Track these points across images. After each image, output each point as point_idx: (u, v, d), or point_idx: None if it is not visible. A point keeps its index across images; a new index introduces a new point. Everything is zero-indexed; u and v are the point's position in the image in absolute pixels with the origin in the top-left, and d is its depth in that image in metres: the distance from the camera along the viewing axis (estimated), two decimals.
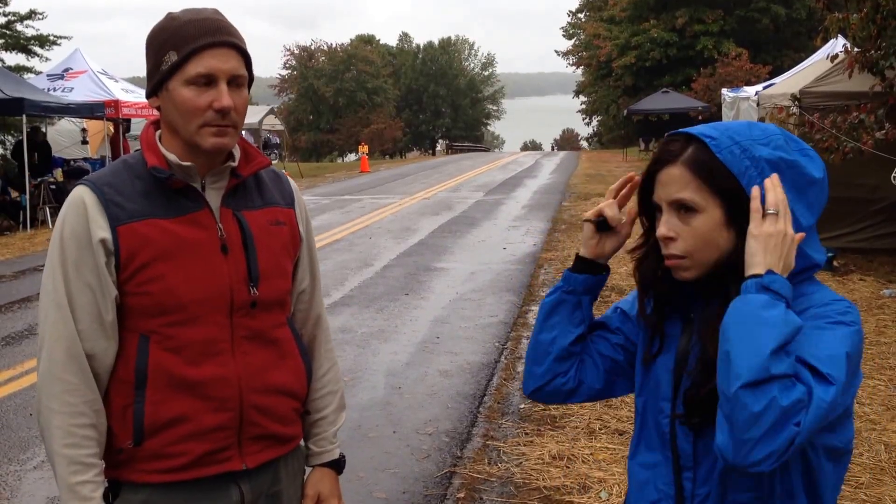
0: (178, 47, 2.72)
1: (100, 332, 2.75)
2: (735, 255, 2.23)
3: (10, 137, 33.31)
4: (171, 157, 2.80)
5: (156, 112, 2.93)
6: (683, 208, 2.28)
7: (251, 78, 2.89)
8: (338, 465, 3.28)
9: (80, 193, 2.78)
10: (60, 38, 36.01)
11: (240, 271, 2.86)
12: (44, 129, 27.61)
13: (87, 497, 2.69)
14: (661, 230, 2.34)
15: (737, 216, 2.23)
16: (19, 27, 34.88)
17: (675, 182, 2.28)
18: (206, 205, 2.85)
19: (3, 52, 34.99)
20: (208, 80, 2.73)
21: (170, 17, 2.82)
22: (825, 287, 2.33)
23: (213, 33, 2.74)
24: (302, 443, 3.23)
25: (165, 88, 2.77)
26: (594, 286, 2.67)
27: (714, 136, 2.26)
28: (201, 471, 2.83)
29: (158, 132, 2.93)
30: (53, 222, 23.31)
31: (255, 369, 2.89)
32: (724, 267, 2.28)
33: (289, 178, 3.21)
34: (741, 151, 2.23)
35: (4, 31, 34.48)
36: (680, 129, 2.36)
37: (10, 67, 32.11)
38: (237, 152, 2.94)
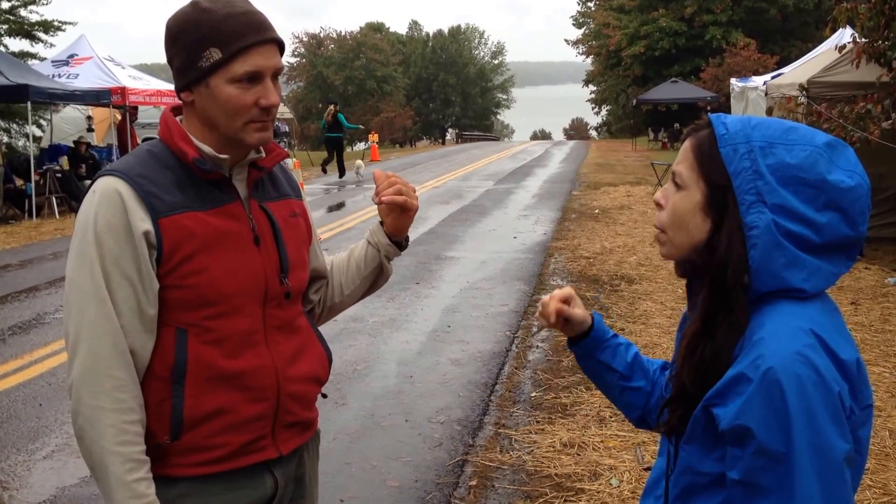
0: (220, 44, 2.65)
1: (140, 327, 2.70)
2: (706, 250, 2.22)
3: (14, 126, 33.34)
4: (207, 148, 2.76)
5: (169, 101, 2.85)
6: (675, 181, 2.30)
7: None
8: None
9: (113, 184, 2.68)
10: (65, 23, 35.96)
11: (272, 262, 2.87)
12: (88, 142, 27.56)
13: (144, 494, 2.64)
14: (656, 195, 2.38)
15: (716, 209, 2.20)
16: (23, 13, 34.88)
17: (682, 154, 2.30)
18: (237, 196, 2.84)
19: (7, 37, 35.07)
20: (254, 78, 2.69)
21: (201, 9, 2.70)
22: (783, 316, 2.14)
23: (258, 31, 2.70)
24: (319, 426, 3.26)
25: (205, 85, 2.71)
26: (591, 349, 2.80)
27: (728, 129, 2.21)
28: (239, 461, 2.83)
29: (179, 118, 2.87)
30: (59, 211, 23.37)
31: (286, 358, 2.91)
32: (700, 265, 2.25)
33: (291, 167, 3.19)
34: (746, 152, 2.15)
35: (8, 16, 34.47)
36: (720, 115, 2.31)
37: (14, 53, 32.17)
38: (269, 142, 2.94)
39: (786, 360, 2.02)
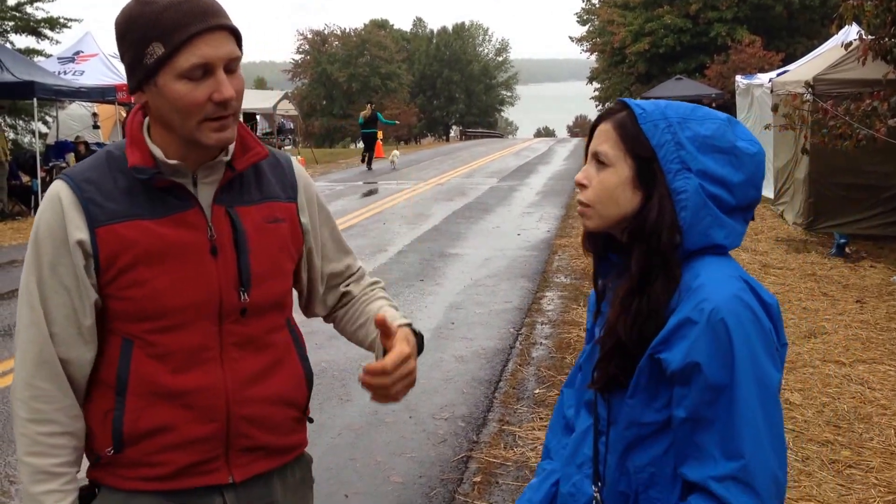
0: (162, 38, 2.43)
1: (76, 336, 2.61)
2: (636, 219, 2.43)
3: (20, 122, 33.31)
4: (157, 153, 2.58)
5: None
6: (599, 160, 2.49)
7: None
8: (413, 329, 2.83)
9: (57, 189, 2.60)
10: (71, 20, 35.85)
11: (230, 275, 2.65)
12: (87, 141, 27.49)
13: None
14: (578, 176, 2.57)
15: (644, 180, 2.42)
16: (29, 9, 34.78)
17: (601, 135, 2.50)
18: (195, 203, 2.64)
19: (13, 34, 34.85)
20: (204, 71, 2.47)
21: (143, 2, 2.48)
22: (715, 267, 2.40)
23: (202, 17, 2.45)
24: (307, 451, 3.04)
25: (153, 84, 2.50)
26: None
27: (645, 109, 2.45)
28: (184, 481, 2.67)
29: (147, 119, 2.67)
30: None
31: (245, 378, 2.70)
32: (629, 232, 2.46)
33: (295, 164, 2.97)
34: (666, 126, 2.41)
35: (14, 13, 34.33)
36: (630, 99, 2.57)
37: (20, 50, 31.91)
38: (233, 142, 2.68)
39: (726, 301, 2.28)
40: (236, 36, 2.55)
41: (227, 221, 2.67)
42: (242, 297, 2.66)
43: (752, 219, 2.52)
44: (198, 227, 2.63)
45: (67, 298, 2.58)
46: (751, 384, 2.24)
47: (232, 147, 2.67)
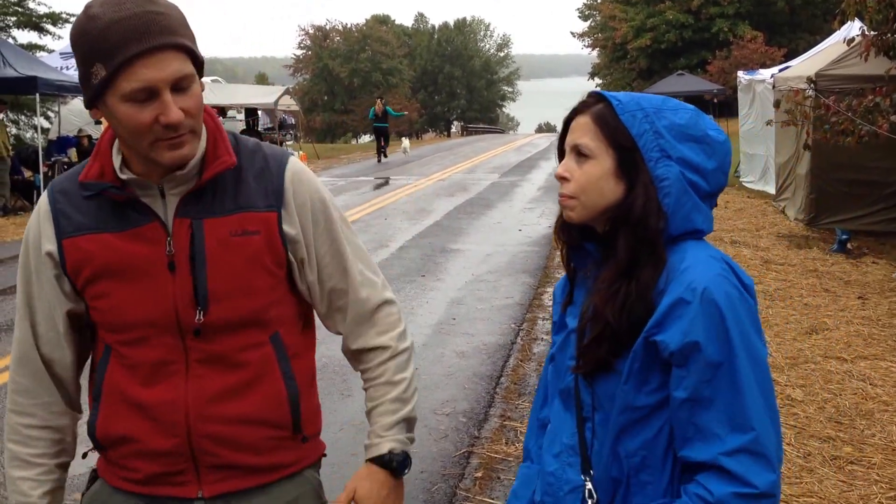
0: (103, 59, 2.33)
1: (55, 339, 2.70)
2: (622, 208, 2.47)
3: (22, 117, 33.32)
4: (116, 165, 2.54)
5: None
6: (580, 153, 2.53)
7: (201, 63, 2.49)
8: (385, 463, 2.80)
9: (41, 199, 2.66)
10: (73, 15, 35.86)
11: (186, 292, 2.56)
12: (90, 135, 27.46)
13: (25, 493, 2.71)
14: (558, 170, 2.60)
15: (627, 170, 2.47)
16: (31, 4, 34.83)
17: (580, 129, 2.54)
18: (154, 217, 2.55)
19: (16, 29, 34.94)
20: (148, 94, 2.35)
21: (89, 16, 2.36)
22: (697, 250, 2.47)
23: (142, 38, 2.31)
24: (312, 471, 2.90)
25: (103, 103, 2.42)
26: None
27: (621, 100, 2.51)
28: (156, 489, 2.67)
29: None
30: None
31: (210, 395, 2.61)
32: (612, 221, 2.51)
33: (289, 170, 2.73)
34: (643, 116, 2.47)
35: (17, 8, 34.40)
36: (600, 90, 2.63)
37: (22, 45, 32.00)
38: (199, 153, 2.56)
39: (715, 281, 2.35)
40: (189, 51, 2.43)
41: (188, 236, 2.57)
42: (197, 317, 2.56)
43: (716, 205, 2.59)
44: (156, 242, 2.56)
45: (48, 303, 2.68)
46: (745, 359, 2.31)
47: (198, 157, 2.56)
